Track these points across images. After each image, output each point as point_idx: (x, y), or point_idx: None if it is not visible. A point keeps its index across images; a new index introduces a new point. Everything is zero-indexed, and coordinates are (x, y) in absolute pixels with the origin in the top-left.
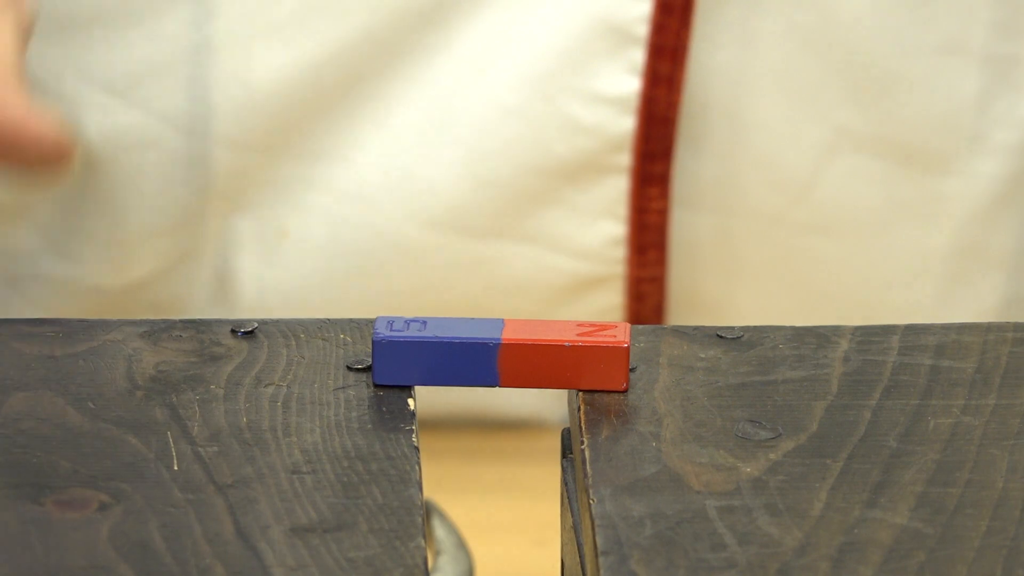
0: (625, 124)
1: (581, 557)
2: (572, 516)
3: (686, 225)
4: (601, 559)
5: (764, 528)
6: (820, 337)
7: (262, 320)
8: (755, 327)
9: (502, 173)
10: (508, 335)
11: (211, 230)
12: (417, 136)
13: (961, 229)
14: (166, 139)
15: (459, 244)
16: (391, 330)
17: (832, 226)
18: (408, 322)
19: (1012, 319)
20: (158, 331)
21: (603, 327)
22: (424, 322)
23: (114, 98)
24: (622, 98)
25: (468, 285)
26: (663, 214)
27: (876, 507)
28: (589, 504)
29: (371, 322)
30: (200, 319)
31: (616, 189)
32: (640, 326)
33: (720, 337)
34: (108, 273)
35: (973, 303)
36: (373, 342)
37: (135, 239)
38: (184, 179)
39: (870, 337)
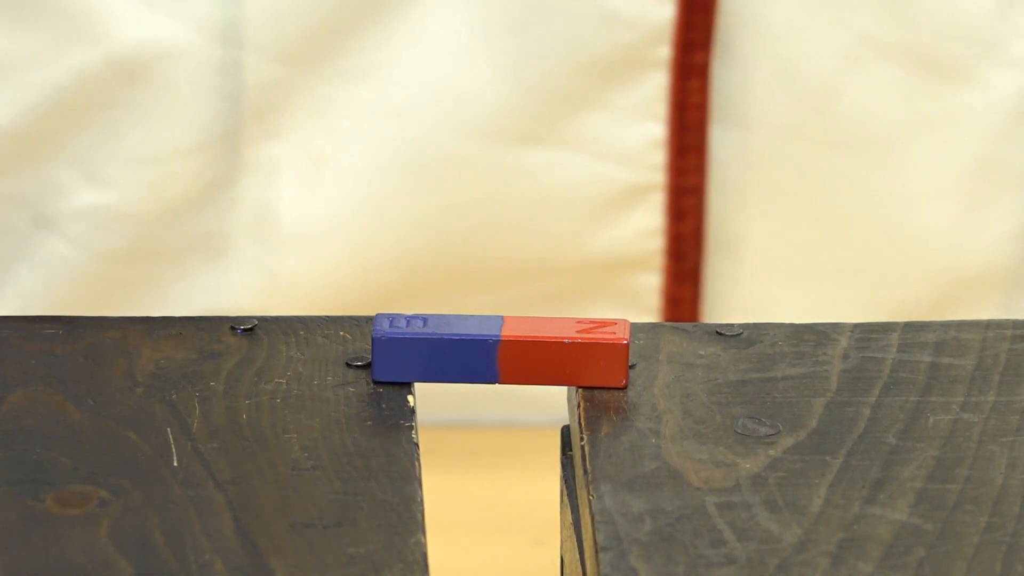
0: (664, 12)
1: (581, 554)
2: (572, 513)
3: (713, 141)
4: (601, 555)
5: (764, 524)
6: (819, 334)
7: (262, 317)
8: (754, 324)
9: (541, 74)
10: (507, 332)
11: (247, 156)
12: (453, 45)
13: (982, 146)
14: (199, 47)
15: (500, 154)
16: (390, 327)
17: (853, 141)
18: (408, 319)
19: None
20: (158, 328)
21: (603, 324)
22: (424, 319)
23: (146, 6)
24: None
25: (510, 198)
26: (703, 110)
27: (875, 503)
28: (589, 500)
29: (371, 319)
30: (200, 316)
31: (656, 86)
32: (639, 323)
33: (719, 334)
34: (144, 197)
35: (995, 223)
36: (372, 339)
37: (170, 155)
38: (218, 88)
39: (869, 334)
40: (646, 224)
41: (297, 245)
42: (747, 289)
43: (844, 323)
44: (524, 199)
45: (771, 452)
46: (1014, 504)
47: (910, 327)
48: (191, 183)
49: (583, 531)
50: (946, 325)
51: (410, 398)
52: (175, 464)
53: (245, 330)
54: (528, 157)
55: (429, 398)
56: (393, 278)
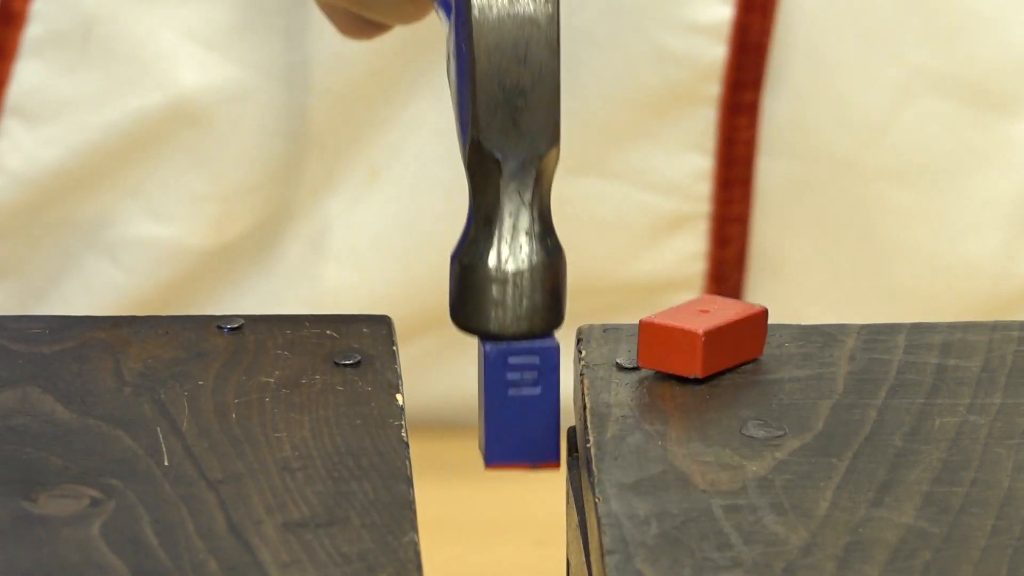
0: (716, 53)
1: (587, 556)
2: (578, 515)
3: (762, 170)
4: (607, 558)
5: (770, 527)
6: (826, 336)
7: (249, 316)
8: None
9: (592, 107)
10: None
11: (306, 180)
12: None
13: None
14: (264, 91)
15: None
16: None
17: (902, 171)
18: None
19: None
20: (145, 327)
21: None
22: None
23: (211, 52)
24: (714, 26)
25: (556, 222)
26: (751, 145)
27: (882, 506)
28: (595, 503)
29: (356, 318)
30: (187, 315)
31: (704, 120)
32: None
33: None
34: (206, 233)
35: None
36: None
37: (233, 194)
38: (282, 130)
39: (876, 336)
40: (689, 249)
41: (346, 258)
42: (789, 311)
43: (851, 324)
44: (570, 224)
45: (777, 455)
46: (1020, 507)
47: (916, 328)
48: (252, 218)
49: (589, 534)
50: (952, 327)
51: (398, 397)
52: (166, 463)
53: (232, 329)
54: (576, 185)
55: (431, 399)
56: (440, 295)
